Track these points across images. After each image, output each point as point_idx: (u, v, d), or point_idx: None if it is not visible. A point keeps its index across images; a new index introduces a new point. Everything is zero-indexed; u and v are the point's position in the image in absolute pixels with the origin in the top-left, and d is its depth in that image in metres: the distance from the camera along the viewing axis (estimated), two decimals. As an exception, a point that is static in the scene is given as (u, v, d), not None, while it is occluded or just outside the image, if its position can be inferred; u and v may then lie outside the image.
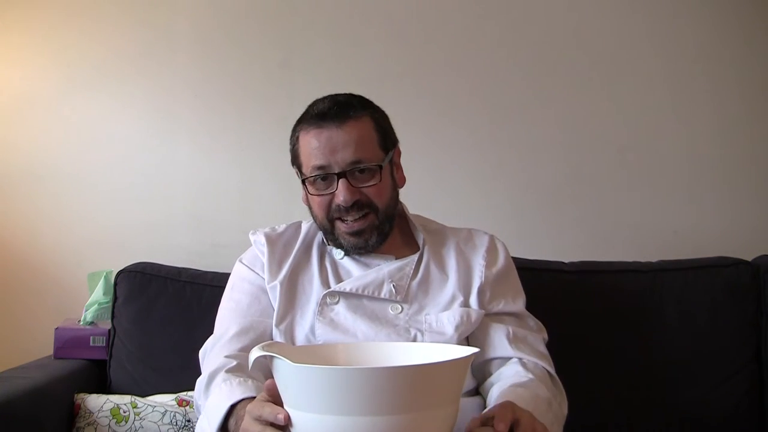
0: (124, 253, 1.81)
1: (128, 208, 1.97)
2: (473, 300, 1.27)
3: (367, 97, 1.34)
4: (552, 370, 1.24)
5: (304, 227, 1.39)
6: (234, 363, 1.19)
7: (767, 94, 1.93)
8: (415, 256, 1.31)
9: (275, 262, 1.32)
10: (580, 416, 1.55)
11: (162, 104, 1.99)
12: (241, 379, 1.13)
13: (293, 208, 1.91)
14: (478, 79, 1.97)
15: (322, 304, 1.25)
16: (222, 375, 1.16)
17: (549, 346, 1.30)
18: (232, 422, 1.06)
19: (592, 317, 1.60)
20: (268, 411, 0.90)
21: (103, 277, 1.76)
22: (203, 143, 1.99)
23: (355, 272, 1.30)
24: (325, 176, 1.25)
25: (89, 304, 1.76)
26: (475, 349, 0.91)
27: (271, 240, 1.35)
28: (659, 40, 1.96)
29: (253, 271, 1.34)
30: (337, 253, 1.34)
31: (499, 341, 1.25)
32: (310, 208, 1.33)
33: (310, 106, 1.30)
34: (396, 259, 1.32)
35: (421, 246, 1.34)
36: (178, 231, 1.96)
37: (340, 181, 1.23)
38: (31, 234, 1.97)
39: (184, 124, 1.99)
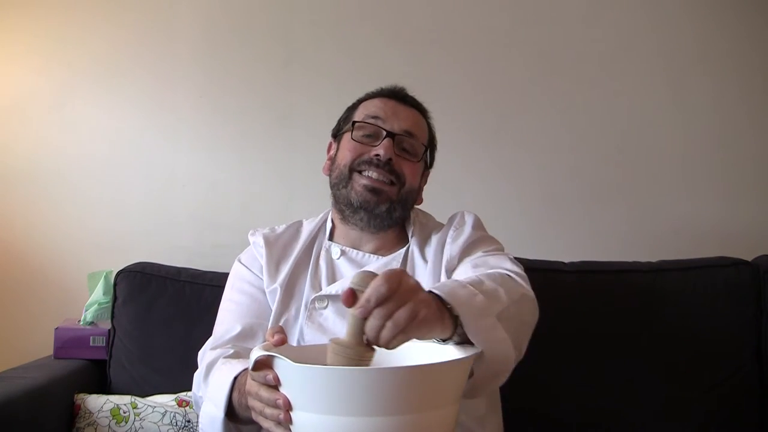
0: (124, 253, 1.81)
1: (128, 208, 1.97)
2: (443, 279, 1.24)
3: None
4: (513, 274, 1.14)
5: (306, 226, 1.39)
6: (231, 351, 1.20)
7: (768, 94, 1.94)
8: (402, 250, 1.32)
9: (273, 265, 1.32)
10: (579, 415, 1.57)
11: (163, 105, 1.99)
12: (241, 359, 1.14)
13: (293, 208, 1.91)
14: (481, 80, 1.98)
15: (311, 309, 1.26)
16: (220, 360, 1.17)
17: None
18: (235, 395, 1.06)
19: (592, 317, 1.60)
20: (262, 373, 0.90)
21: (103, 277, 1.76)
22: (204, 143, 1.99)
23: (349, 274, 1.30)
24: (372, 133, 1.31)
25: (89, 304, 1.75)
26: (477, 350, 0.91)
27: (269, 242, 1.35)
28: (660, 40, 1.96)
29: (252, 271, 1.34)
30: (335, 253, 1.34)
31: (464, 273, 1.20)
32: (332, 162, 1.36)
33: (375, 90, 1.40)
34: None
35: (409, 238, 1.34)
36: (178, 231, 1.96)
37: (386, 139, 1.29)
38: (31, 234, 1.97)
39: (184, 124, 1.99)
